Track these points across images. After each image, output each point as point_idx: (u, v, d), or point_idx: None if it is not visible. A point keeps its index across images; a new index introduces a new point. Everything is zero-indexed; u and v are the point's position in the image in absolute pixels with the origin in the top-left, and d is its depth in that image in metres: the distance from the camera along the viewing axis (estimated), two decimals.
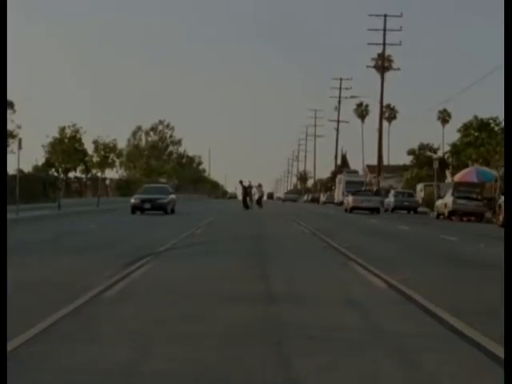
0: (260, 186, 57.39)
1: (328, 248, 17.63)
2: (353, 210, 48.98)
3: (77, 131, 58.51)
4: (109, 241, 18.85)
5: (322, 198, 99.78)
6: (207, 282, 10.62)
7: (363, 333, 6.99)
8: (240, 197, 62.32)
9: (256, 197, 55.69)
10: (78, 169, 77.60)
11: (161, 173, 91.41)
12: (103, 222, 30.16)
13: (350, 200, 50.47)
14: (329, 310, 8.32)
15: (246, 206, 50.10)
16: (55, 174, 62.65)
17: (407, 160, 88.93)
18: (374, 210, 48.68)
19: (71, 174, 71.04)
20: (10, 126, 53.95)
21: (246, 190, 52.17)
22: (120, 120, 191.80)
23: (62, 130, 57.33)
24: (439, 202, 44.90)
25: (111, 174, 78.41)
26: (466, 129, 69.70)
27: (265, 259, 14.50)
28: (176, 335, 6.67)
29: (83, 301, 8.43)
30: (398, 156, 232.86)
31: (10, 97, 54.00)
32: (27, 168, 68.71)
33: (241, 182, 52.69)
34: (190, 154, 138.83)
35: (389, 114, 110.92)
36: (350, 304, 8.77)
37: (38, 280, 10.45)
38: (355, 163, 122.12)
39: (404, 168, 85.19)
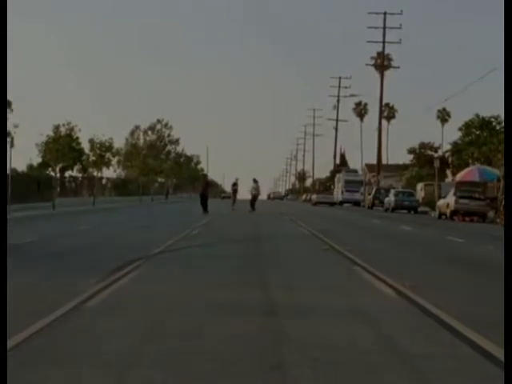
0: (256, 181, 44.89)
1: (330, 250, 16.83)
2: (316, 204, 72.02)
3: (71, 129, 57.64)
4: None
5: None
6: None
7: (377, 354, 6.18)
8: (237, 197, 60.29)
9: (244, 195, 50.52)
10: (75, 168, 76.67)
11: (158, 172, 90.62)
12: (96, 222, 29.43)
13: (314, 197, 77.84)
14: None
15: (205, 209, 37.87)
16: (52, 173, 61.82)
17: (407, 159, 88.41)
18: (331, 204, 71.05)
19: (67, 173, 70.27)
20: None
21: (211, 188, 43.17)
22: (118, 119, 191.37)
23: (57, 128, 56.46)
24: (441, 202, 44.03)
25: (109, 173, 77.74)
26: (467, 127, 69.02)
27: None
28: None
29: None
30: (397, 155, 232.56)
31: (8, 96, 53.08)
32: (21, 167, 68.04)
33: (204, 176, 48.77)
34: (188, 153, 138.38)
35: (388, 112, 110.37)
36: (358, 317, 7.96)
37: None
38: (354, 162, 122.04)
39: (404, 167, 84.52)
